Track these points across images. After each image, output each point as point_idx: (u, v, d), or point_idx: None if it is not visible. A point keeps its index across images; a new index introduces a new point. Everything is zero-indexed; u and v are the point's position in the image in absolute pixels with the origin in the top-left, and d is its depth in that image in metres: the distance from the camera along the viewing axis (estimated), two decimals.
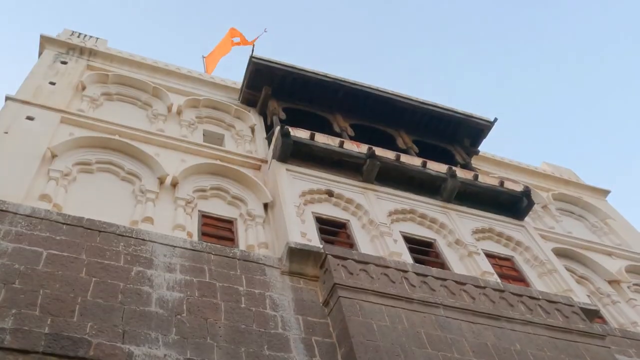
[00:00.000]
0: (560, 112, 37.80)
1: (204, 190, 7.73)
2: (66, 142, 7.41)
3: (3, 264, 5.15)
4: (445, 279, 6.91)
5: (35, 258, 5.38)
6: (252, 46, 11.12)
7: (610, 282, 9.46)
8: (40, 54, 9.94)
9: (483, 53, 38.37)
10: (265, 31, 10.89)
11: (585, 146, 36.88)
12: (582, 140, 37.04)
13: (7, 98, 8.02)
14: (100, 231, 6.02)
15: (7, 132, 7.30)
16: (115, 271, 5.58)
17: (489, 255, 8.19)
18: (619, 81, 36.67)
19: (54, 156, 7.14)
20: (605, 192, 12.81)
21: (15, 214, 5.83)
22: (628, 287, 9.45)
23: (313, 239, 6.93)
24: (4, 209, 5.81)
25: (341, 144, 8.69)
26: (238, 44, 12.84)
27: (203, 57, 13.83)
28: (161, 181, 7.45)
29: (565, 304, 7.32)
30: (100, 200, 6.89)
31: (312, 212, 7.58)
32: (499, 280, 7.51)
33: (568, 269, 8.97)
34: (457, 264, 7.74)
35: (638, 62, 35.17)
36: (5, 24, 33.14)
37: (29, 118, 7.79)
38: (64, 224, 5.93)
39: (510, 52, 37.62)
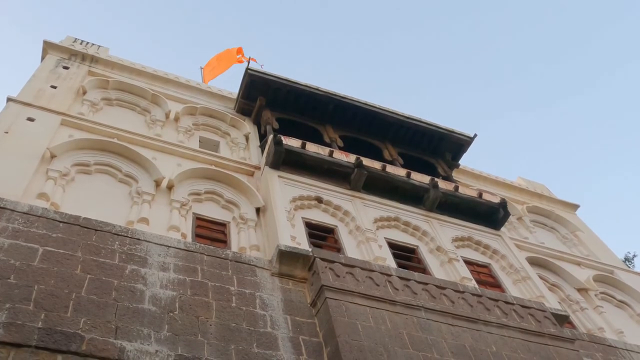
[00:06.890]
0: (535, 131, 38.61)
1: (198, 194, 7.65)
2: (65, 144, 7.27)
3: None
4: (426, 283, 6.92)
5: (31, 254, 5.23)
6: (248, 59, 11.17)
7: (579, 290, 9.58)
8: (42, 58, 9.79)
9: (467, 71, 39.10)
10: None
11: (557, 163, 37.67)
12: (555, 158, 37.85)
13: (9, 99, 7.86)
14: (96, 230, 5.89)
15: (7, 132, 7.13)
16: (110, 269, 5.46)
17: (468, 262, 8.25)
18: (589, 104, 37.68)
19: (53, 157, 6.99)
20: (575, 207, 13.03)
21: (13, 211, 5.68)
22: (595, 295, 9.58)
23: (302, 243, 6.89)
24: (1, 206, 5.66)
25: (331, 154, 8.71)
26: (239, 60, 13.01)
27: (201, 67, 13.85)
28: (157, 184, 7.35)
29: (537, 309, 7.39)
30: (98, 200, 6.75)
31: (302, 217, 7.55)
32: (476, 285, 7.55)
33: (540, 277, 9.07)
34: (438, 270, 7.77)
35: (609, 85, 36.25)
36: (10, 29, 32.67)
37: (30, 119, 7.62)
38: (60, 222, 5.79)
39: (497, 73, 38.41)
